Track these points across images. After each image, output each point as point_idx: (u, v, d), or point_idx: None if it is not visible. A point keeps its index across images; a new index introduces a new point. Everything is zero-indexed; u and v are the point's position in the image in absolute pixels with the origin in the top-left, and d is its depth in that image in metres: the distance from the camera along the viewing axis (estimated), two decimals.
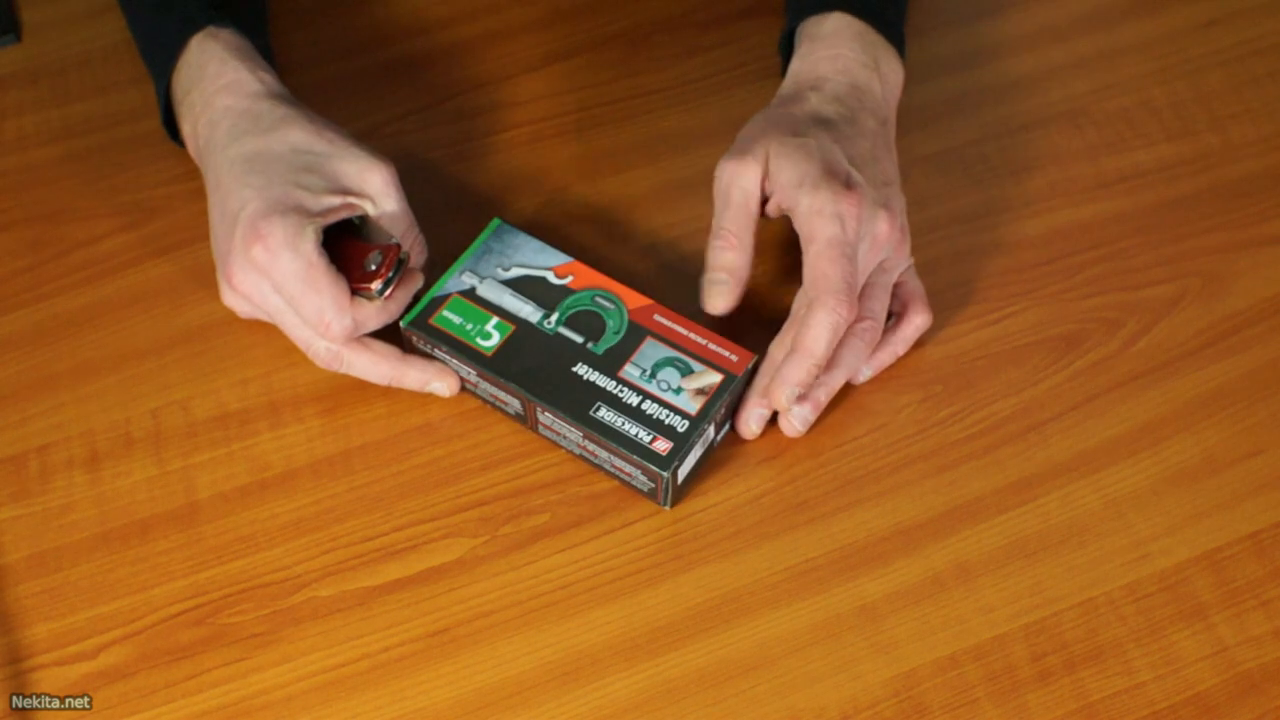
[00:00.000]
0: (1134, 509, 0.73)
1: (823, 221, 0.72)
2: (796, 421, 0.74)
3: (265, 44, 0.83)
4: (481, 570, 0.72)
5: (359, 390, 0.77)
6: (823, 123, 0.76)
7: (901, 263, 0.77)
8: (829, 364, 0.74)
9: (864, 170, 0.74)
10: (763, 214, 0.76)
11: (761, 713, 0.68)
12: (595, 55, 0.91)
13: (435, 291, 0.76)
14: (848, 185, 0.72)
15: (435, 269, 0.79)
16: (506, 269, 0.77)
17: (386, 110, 0.88)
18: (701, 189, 0.84)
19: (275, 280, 0.72)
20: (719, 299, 0.76)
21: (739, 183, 0.75)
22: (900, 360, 0.78)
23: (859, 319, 0.74)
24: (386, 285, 0.73)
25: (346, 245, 0.74)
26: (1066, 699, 0.68)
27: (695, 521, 0.73)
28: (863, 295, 0.74)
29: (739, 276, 0.76)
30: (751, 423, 0.74)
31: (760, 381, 0.74)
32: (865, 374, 0.77)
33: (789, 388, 0.72)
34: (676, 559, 0.72)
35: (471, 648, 0.70)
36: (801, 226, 0.73)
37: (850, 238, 0.72)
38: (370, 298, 0.73)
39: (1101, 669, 0.69)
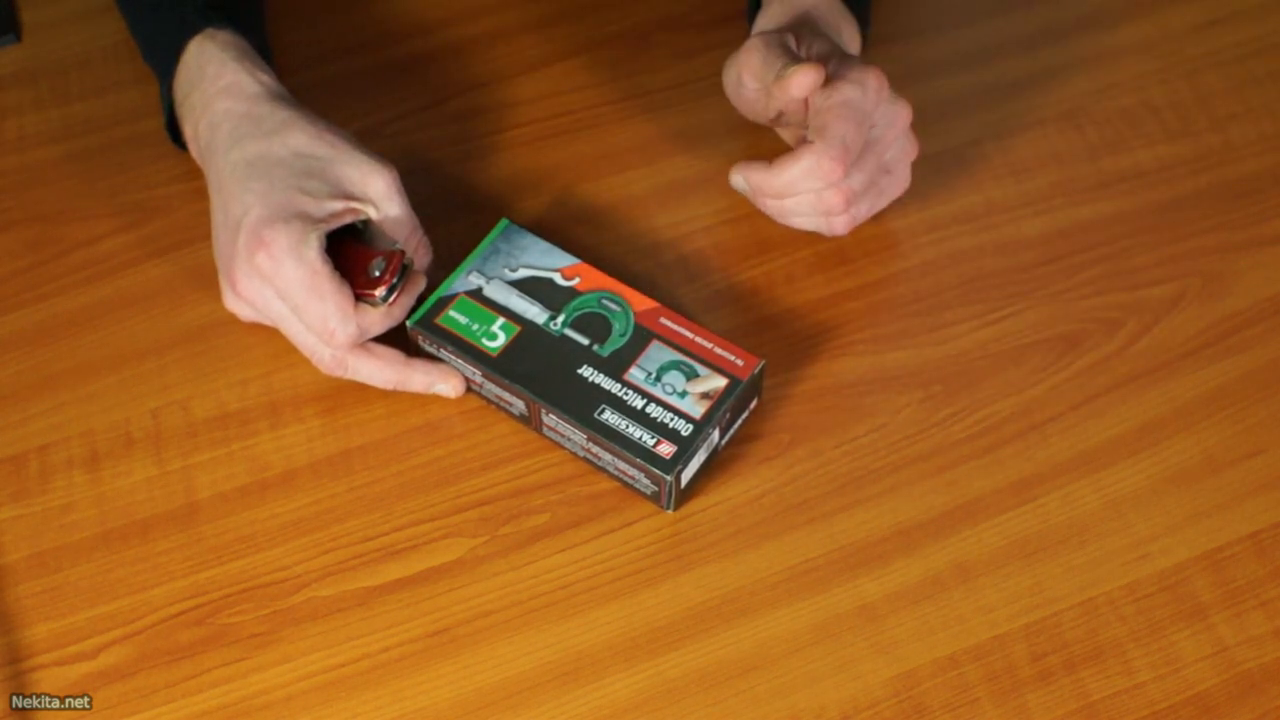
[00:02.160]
0: (1134, 509, 0.73)
1: (846, 85, 0.75)
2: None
3: (263, 42, 0.83)
4: (481, 570, 0.72)
5: (359, 390, 0.77)
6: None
7: (898, 158, 0.79)
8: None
9: None
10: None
11: (761, 713, 0.68)
12: (595, 55, 0.91)
13: (442, 291, 0.76)
14: (872, 69, 0.76)
15: (439, 269, 0.79)
16: (514, 270, 0.77)
17: (387, 110, 0.88)
18: (701, 189, 0.84)
19: (279, 287, 0.72)
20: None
21: (770, 40, 0.78)
22: (900, 360, 0.78)
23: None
24: (391, 291, 0.73)
25: (349, 250, 0.74)
26: (1066, 699, 0.68)
27: (695, 521, 0.73)
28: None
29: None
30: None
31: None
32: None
33: (742, 180, 0.78)
34: (676, 559, 0.72)
35: (471, 648, 0.70)
36: (825, 88, 0.75)
37: (868, 106, 0.75)
38: (374, 304, 0.73)
39: (1101, 669, 0.69)
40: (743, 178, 0.78)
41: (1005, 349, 0.79)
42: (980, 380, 0.78)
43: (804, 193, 0.76)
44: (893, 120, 0.77)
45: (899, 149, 0.78)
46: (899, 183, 0.79)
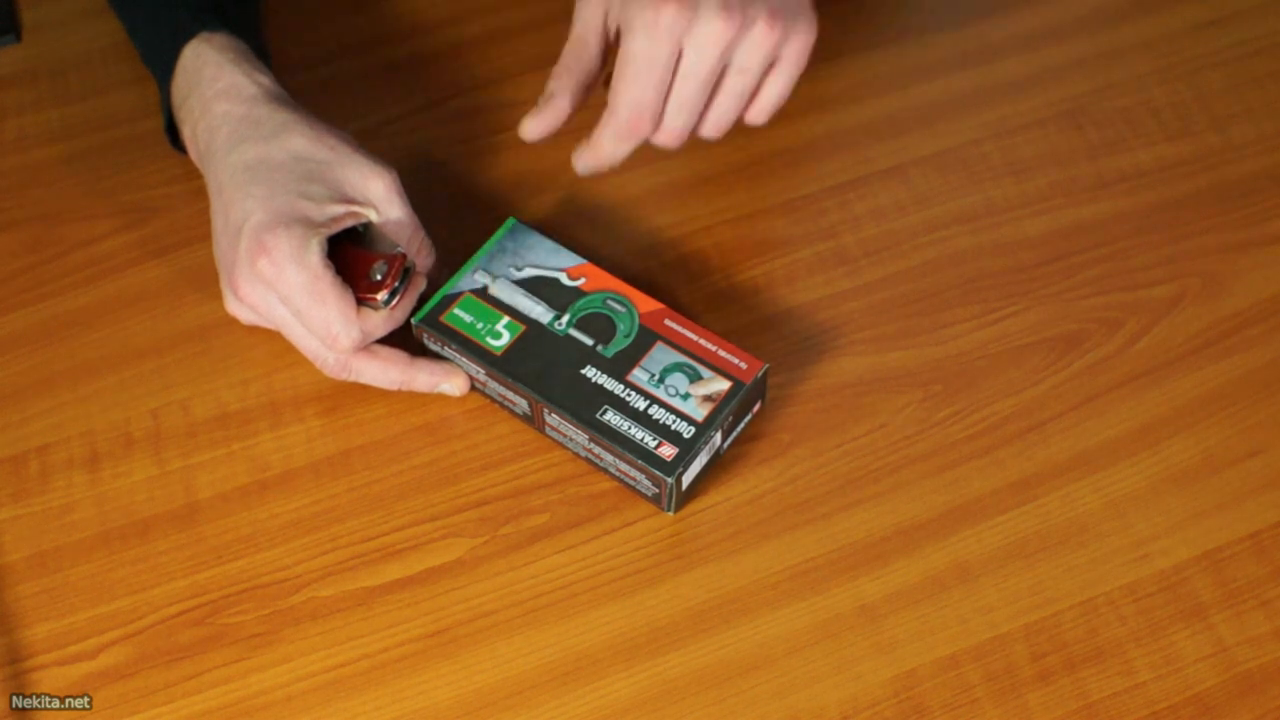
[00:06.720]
0: (1134, 509, 0.73)
1: (630, 37, 0.71)
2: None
3: (259, 43, 0.83)
4: (481, 570, 0.72)
5: (359, 390, 0.77)
6: None
7: (763, 60, 0.73)
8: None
9: None
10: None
11: (761, 713, 0.68)
12: None
13: (447, 289, 0.76)
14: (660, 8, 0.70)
15: (442, 268, 0.79)
16: (519, 269, 0.77)
17: (388, 110, 0.88)
18: (701, 189, 0.84)
19: (282, 293, 0.72)
20: (527, 122, 0.77)
21: (581, 13, 0.74)
22: (900, 360, 0.78)
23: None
24: (393, 295, 0.73)
25: (350, 254, 0.74)
26: (1067, 699, 0.68)
27: (695, 521, 0.73)
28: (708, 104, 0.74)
29: (554, 106, 0.76)
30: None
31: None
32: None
33: (583, 165, 0.76)
34: (676, 559, 0.72)
35: (471, 648, 0.70)
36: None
37: (656, 53, 0.71)
38: (376, 308, 0.73)
39: (1101, 669, 0.69)
40: (582, 164, 0.77)
41: (1005, 349, 0.79)
42: (980, 380, 0.78)
43: (627, 148, 0.75)
44: (703, 45, 0.71)
45: (740, 59, 0.72)
46: (778, 73, 0.74)
